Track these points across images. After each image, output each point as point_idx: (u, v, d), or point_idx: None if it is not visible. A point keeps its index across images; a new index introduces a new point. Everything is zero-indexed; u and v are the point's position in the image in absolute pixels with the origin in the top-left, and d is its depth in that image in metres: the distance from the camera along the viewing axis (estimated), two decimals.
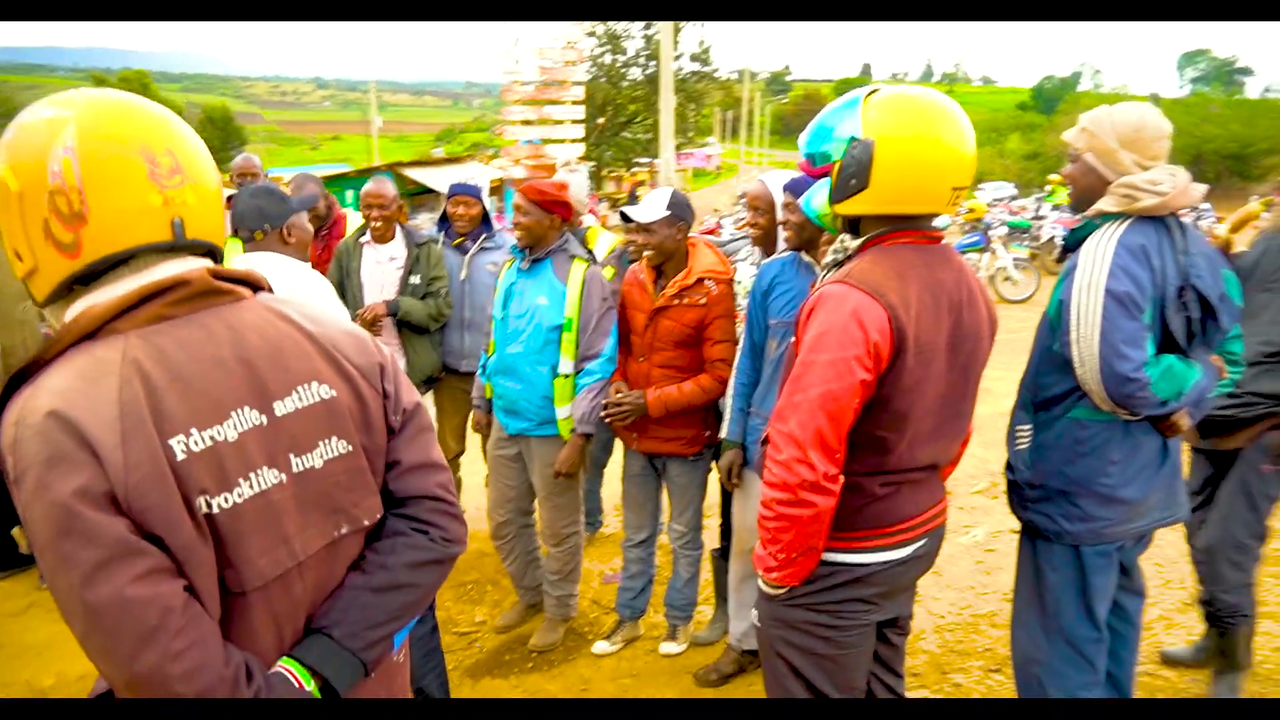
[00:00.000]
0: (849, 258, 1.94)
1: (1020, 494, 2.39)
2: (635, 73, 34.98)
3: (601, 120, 33.09)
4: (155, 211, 1.14)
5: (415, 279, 4.06)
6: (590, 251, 3.47)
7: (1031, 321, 2.55)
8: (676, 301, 3.18)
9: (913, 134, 1.79)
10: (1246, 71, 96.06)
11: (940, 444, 1.98)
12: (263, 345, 1.20)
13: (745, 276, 3.24)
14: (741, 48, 77.45)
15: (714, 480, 3.36)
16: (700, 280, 3.16)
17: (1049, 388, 2.29)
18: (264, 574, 1.15)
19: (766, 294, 2.92)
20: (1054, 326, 2.25)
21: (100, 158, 1.10)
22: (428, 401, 4.27)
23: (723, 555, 3.53)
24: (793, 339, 1.95)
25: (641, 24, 33.72)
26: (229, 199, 3.18)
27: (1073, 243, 2.26)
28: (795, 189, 2.76)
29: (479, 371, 3.64)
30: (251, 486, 1.14)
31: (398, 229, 4.16)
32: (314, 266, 3.01)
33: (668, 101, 17.28)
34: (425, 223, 7.33)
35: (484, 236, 4.21)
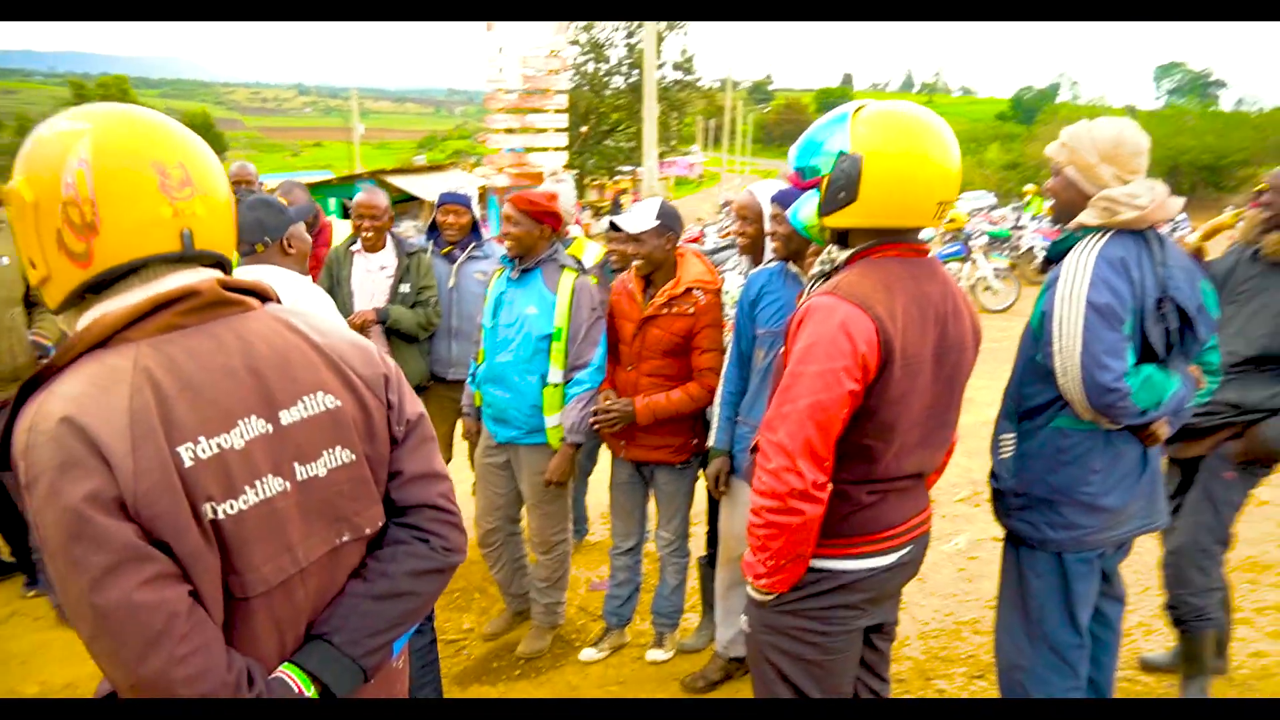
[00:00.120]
0: (836, 269, 1.98)
1: (1004, 502, 2.43)
2: (618, 81, 35.05)
3: (585, 129, 33.13)
4: (165, 223, 1.16)
5: (405, 288, 4.07)
6: (579, 261, 3.50)
7: (1012, 331, 2.60)
8: (665, 311, 3.20)
9: (900, 150, 1.82)
10: (1221, 84, 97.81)
11: (926, 453, 2.02)
12: (271, 355, 1.22)
13: (733, 286, 3.27)
14: (724, 57, 77.94)
15: (701, 488, 3.39)
16: (689, 290, 3.19)
17: (1032, 397, 2.34)
18: (267, 580, 1.17)
19: (754, 304, 2.95)
20: (1037, 337, 2.30)
21: (113, 170, 1.12)
22: None
23: (709, 563, 3.55)
24: (780, 348, 1.98)
25: (625, 33, 33.82)
26: None
27: (1055, 255, 2.31)
28: (783, 200, 2.79)
29: (468, 380, 3.65)
30: (257, 494, 1.16)
31: (389, 238, 4.18)
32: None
33: (651, 110, 17.30)
34: (408, 230, 7.33)
35: (472, 245, 4.23)
